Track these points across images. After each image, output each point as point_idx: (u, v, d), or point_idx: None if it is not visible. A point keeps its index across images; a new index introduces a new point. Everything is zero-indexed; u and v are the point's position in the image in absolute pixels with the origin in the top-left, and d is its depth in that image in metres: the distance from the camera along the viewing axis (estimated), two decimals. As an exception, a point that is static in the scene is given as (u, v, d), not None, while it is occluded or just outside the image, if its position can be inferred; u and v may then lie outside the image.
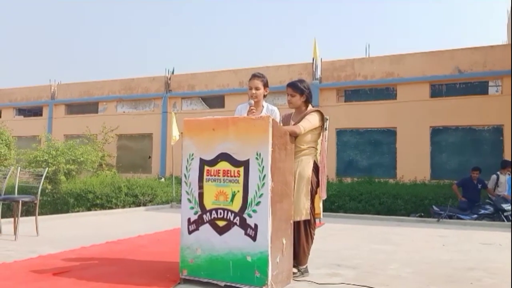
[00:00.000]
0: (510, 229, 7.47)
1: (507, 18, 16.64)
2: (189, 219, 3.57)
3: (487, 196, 10.24)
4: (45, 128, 19.32)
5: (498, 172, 10.14)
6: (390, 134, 14.67)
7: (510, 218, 9.20)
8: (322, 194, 3.98)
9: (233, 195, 3.43)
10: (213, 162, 3.53)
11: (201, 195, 3.55)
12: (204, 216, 3.51)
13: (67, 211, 12.41)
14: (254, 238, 3.32)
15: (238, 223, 3.39)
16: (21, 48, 62.52)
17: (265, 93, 4.18)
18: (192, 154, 3.63)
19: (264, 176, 3.34)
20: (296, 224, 3.81)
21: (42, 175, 6.47)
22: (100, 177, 14.58)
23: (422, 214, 10.32)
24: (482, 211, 9.61)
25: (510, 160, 10.83)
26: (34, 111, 21.37)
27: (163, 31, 66.76)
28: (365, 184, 12.57)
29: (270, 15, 63.77)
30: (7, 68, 55.72)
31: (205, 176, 3.55)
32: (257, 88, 4.10)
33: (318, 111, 4.00)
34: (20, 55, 61.66)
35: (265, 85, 4.16)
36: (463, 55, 13.94)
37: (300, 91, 4.01)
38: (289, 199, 3.70)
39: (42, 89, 20.72)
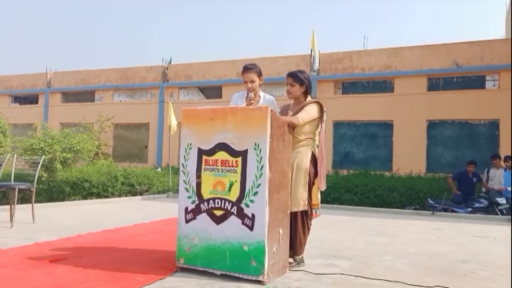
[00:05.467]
0: (510, 224, 7.54)
1: (505, 12, 16.64)
2: (186, 208, 3.58)
3: (481, 190, 10.32)
4: (41, 116, 19.22)
5: (490, 167, 10.26)
6: (386, 127, 14.69)
7: (504, 212, 9.27)
8: (321, 185, 3.99)
9: (231, 185, 3.43)
10: (211, 152, 3.53)
11: (198, 185, 3.55)
12: (202, 205, 3.52)
13: (63, 200, 12.40)
14: (251, 228, 3.33)
15: (235, 213, 3.39)
16: (17, 35, 62.02)
17: (261, 82, 4.13)
18: (190, 144, 3.62)
19: (262, 166, 3.34)
20: (293, 215, 3.83)
21: (38, 163, 6.45)
22: (96, 166, 14.55)
23: (417, 207, 10.38)
24: (477, 205, 9.67)
25: (506, 153, 10.92)
26: (30, 99, 21.24)
27: (161, 21, 66.34)
28: (361, 177, 12.60)
29: (268, 6, 63.46)
30: (3, 55, 55.30)
31: (203, 166, 3.55)
32: (252, 81, 4.06)
33: (317, 102, 4.00)
34: (16, 42, 61.19)
35: (259, 74, 4.11)
36: (460, 49, 13.94)
37: (300, 82, 4.00)
38: (286, 190, 3.71)
39: (38, 77, 20.56)
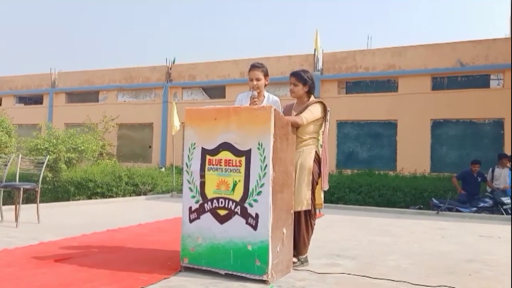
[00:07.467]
0: (510, 222, 7.51)
1: (509, 11, 16.56)
2: (190, 208, 3.59)
3: (486, 189, 10.28)
4: (45, 117, 19.28)
5: (496, 166, 10.21)
6: (390, 126, 14.66)
7: (509, 212, 9.23)
8: (324, 184, 3.99)
9: (235, 185, 3.44)
10: (214, 152, 3.54)
11: (202, 184, 3.56)
12: (205, 205, 3.53)
13: (67, 199, 12.44)
14: (255, 228, 3.34)
15: (239, 212, 3.40)
16: (22, 36, 62.28)
17: (266, 83, 4.11)
18: (194, 144, 3.63)
19: (266, 166, 3.35)
20: (297, 214, 3.83)
21: (43, 163, 6.48)
22: (101, 166, 14.59)
23: (422, 207, 10.36)
24: (481, 204, 9.64)
25: (508, 153, 10.87)
26: (34, 99, 21.32)
27: (164, 21, 66.45)
28: (365, 176, 12.59)
29: (271, 5, 63.42)
30: (7, 56, 55.56)
31: (206, 165, 3.56)
32: (258, 79, 4.04)
33: (320, 102, 4.00)
34: (21, 42, 61.46)
35: (266, 74, 4.09)
36: (465, 48, 13.89)
37: (303, 81, 4.00)
38: (290, 189, 3.72)
39: (42, 77, 20.65)
